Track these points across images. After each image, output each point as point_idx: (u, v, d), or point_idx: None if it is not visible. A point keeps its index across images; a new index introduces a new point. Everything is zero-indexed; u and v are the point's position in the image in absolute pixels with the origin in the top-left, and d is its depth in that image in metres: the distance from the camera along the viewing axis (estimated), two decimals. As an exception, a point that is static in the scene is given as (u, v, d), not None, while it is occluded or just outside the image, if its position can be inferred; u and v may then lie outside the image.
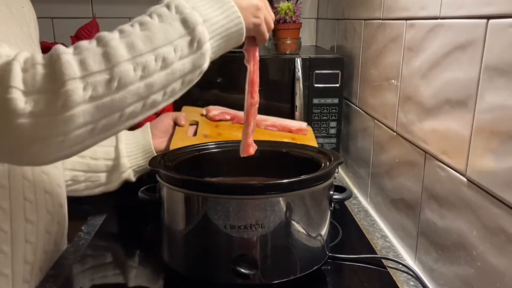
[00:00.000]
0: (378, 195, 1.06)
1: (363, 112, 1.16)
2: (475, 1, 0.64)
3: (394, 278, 0.79)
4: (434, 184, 0.78)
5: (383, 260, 0.84)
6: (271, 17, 0.71)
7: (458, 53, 0.69)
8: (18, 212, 0.72)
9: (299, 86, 1.21)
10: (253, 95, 0.77)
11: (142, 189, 0.81)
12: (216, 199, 0.70)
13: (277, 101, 1.24)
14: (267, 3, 0.70)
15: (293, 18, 1.30)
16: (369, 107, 1.11)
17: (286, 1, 1.32)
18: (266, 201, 0.69)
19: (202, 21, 0.58)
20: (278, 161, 0.89)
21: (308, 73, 1.22)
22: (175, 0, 0.58)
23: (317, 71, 1.22)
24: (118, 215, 1.06)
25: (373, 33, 1.07)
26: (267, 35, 0.72)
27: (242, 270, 0.70)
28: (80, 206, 1.08)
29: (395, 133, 0.95)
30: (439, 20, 0.75)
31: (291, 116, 1.23)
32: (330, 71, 1.22)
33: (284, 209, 0.71)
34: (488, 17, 0.61)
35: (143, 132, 1.02)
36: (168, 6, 0.58)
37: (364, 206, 1.13)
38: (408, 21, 0.87)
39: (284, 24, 1.30)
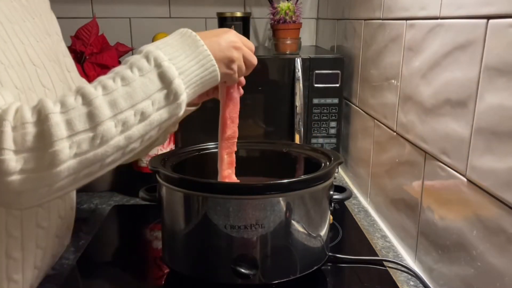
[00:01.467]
0: (378, 195, 1.06)
1: (363, 112, 1.16)
2: (475, 1, 0.64)
3: (394, 278, 0.79)
4: (434, 184, 0.78)
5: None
6: (249, 56, 0.72)
7: (458, 53, 0.69)
8: (30, 219, 0.72)
9: (299, 86, 1.21)
10: (225, 130, 0.79)
11: (142, 189, 0.81)
12: (216, 199, 0.70)
13: (277, 101, 1.24)
14: (245, 42, 0.72)
15: (293, 18, 1.30)
16: (369, 107, 1.11)
17: (286, 1, 1.32)
18: (266, 201, 0.69)
19: (178, 74, 0.62)
20: (278, 161, 0.89)
21: (308, 73, 1.22)
22: (153, 51, 0.62)
23: (317, 71, 1.22)
24: (118, 215, 1.06)
25: (373, 33, 1.07)
26: (241, 79, 0.76)
27: (242, 270, 0.70)
28: (80, 206, 1.08)
29: (395, 133, 0.95)
30: (439, 20, 0.75)
31: (291, 116, 1.23)
32: (330, 71, 1.22)
33: (284, 209, 0.71)
34: (488, 17, 0.61)
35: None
36: (147, 58, 0.61)
37: (364, 206, 1.13)
38: (408, 21, 0.87)
39: (284, 24, 1.30)
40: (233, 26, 1.29)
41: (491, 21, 0.61)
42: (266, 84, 1.23)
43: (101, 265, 0.85)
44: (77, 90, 0.58)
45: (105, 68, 1.23)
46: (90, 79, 1.22)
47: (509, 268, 0.58)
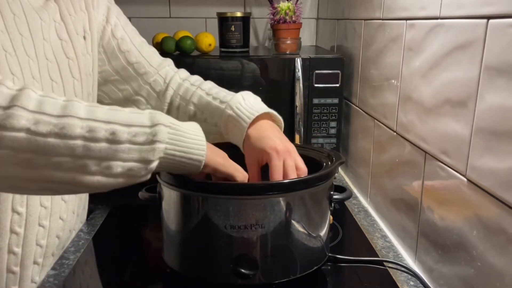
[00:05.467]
0: (378, 195, 1.06)
1: (363, 112, 1.16)
2: (475, 1, 0.64)
3: (394, 278, 0.79)
4: (434, 184, 0.78)
5: (383, 260, 0.84)
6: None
7: (458, 53, 0.69)
8: (34, 217, 0.73)
9: (299, 86, 1.21)
10: None
11: (142, 189, 0.81)
12: (216, 199, 0.70)
13: (277, 101, 1.24)
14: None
15: (293, 18, 1.30)
16: (369, 107, 1.11)
17: (286, 1, 1.32)
18: (266, 201, 0.69)
19: (169, 123, 0.61)
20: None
21: (308, 73, 1.22)
22: (153, 111, 0.63)
23: (317, 71, 1.22)
24: (118, 215, 1.06)
25: (373, 33, 1.07)
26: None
27: (242, 270, 0.70)
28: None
29: (395, 133, 0.95)
30: (439, 20, 0.75)
31: (291, 116, 1.23)
32: (330, 71, 1.22)
33: (284, 209, 0.71)
34: (488, 17, 0.61)
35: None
36: (143, 112, 0.63)
37: (364, 206, 1.13)
38: (408, 21, 0.87)
39: (284, 24, 1.30)
40: (233, 27, 1.29)
41: (491, 21, 0.61)
42: (266, 84, 1.23)
43: (101, 265, 0.85)
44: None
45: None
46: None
47: (509, 268, 0.58)
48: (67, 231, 0.84)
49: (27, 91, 0.55)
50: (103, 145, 0.57)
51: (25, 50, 0.69)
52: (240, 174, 0.70)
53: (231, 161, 0.70)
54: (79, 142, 0.55)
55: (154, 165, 0.60)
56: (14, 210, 0.71)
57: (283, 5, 1.30)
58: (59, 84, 0.75)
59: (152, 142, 0.59)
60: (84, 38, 0.82)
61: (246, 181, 0.72)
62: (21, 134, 0.53)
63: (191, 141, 0.64)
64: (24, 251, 0.73)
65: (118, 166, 0.58)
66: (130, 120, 0.59)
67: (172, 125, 0.62)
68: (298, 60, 1.21)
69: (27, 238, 0.73)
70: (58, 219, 0.80)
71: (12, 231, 0.71)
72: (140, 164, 0.59)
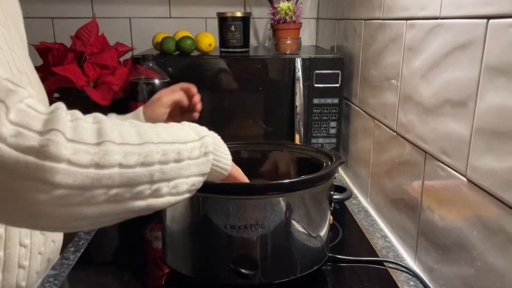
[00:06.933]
0: (378, 195, 1.06)
1: (363, 112, 1.16)
2: (475, 1, 0.64)
3: (394, 278, 0.79)
4: (434, 184, 0.78)
5: (383, 260, 0.84)
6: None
7: (458, 53, 0.69)
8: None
9: (299, 86, 1.21)
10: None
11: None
12: (216, 199, 0.70)
13: (277, 101, 1.24)
14: None
15: (293, 18, 1.30)
16: (369, 107, 1.11)
17: (286, 1, 1.32)
18: (266, 201, 0.69)
19: (209, 133, 0.65)
20: (279, 161, 0.89)
21: (308, 73, 1.22)
22: (188, 123, 0.66)
23: (317, 71, 1.22)
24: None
25: (373, 33, 1.07)
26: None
27: (242, 270, 0.70)
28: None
29: (395, 133, 0.95)
30: (439, 20, 0.75)
31: (291, 116, 1.23)
32: (330, 71, 1.22)
33: (284, 209, 0.71)
34: (488, 17, 0.61)
35: (134, 116, 0.94)
36: (181, 124, 0.65)
37: (364, 206, 1.13)
38: (408, 21, 0.87)
39: (284, 24, 1.30)
40: (233, 27, 1.29)
41: (491, 21, 0.61)
42: (266, 84, 1.23)
43: (101, 265, 0.85)
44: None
45: (105, 68, 1.23)
46: (90, 79, 1.22)
47: (509, 268, 0.58)
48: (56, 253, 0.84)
49: (104, 121, 0.52)
50: (172, 165, 0.58)
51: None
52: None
53: (239, 169, 0.72)
54: (156, 167, 0.55)
55: (207, 175, 0.63)
56: (21, 244, 0.72)
57: (283, 5, 1.30)
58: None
59: (205, 154, 0.62)
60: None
61: None
62: (115, 170, 0.51)
63: (223, 150, 0.67)
64: (29, 282, 0.74)
65: (184, 184, 0.60)
66: (185, 136, 0.61)
67: (212, 135, 0.65)
68: (298, 60, 1.21)
69: (32, 270, 0.74)
70: (51, 243, 0.80)
71: (20, 266, 0.72)
72: (199, 177, 0.62)
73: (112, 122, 0.54)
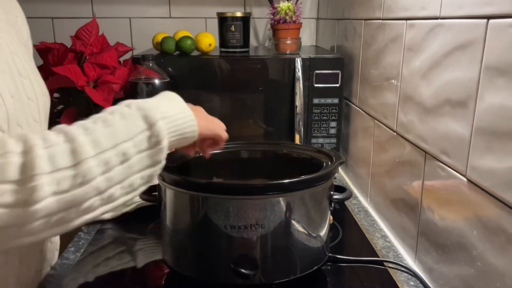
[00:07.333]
0: (378, 195, 1.06)
1: (363, 112, 1.16)
2: (475, 1, 0.64)
3: (394, 278, 0.79)
4: (434, 184, 0.78)
5: (383, 260, 0.84)
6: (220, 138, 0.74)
7: (458, 53, 0.69)
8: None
9: (299, 86, 1.21)
10: None
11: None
12: (216, 199, 0.70)
13: (277, 101, 1.24)
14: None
15: (293, 18, 1.30)
16: (369, 107, 1.11)
17: (286, 1, 1.32)
18: (266, 201, 0.69)
19: (161, 117, 0.61)
20: (279, 161, 0.89)
21: (308, 73, 1.22)
22: (134, 101, 0.61)
23: (317, 71, 1.22)
24: (118, 215, 1.05)
25: (373, 33, 1.07)
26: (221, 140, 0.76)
27: (242, 270, 0.70)
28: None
29: (395, 133, 0.95)
30: (439, 20, 0.75)
31: (291, 116, 1.23)
32: (330, 71, 1.22)
33: (284, 209, 0.71)
34: (488, 17, 0.61)
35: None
36: (128, 106, 0.61)
37: (364, 206, 1.13)
38: (408, 21, 0.87)
39: (284, 24, 1.30)
40: (233, 27, 1.29)
41: (491, 21, 0.61)
42: (266, 84, 1.23)
43: (101, 265, 0.85)
44: (58, 128, 0.56)
45: (105, 68, 1.23)
46: (90, 79, 1.22)
47: (509, 268, 0.58)
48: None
49: (34, 150, 0.51)
50: (120, 168, 0.56)
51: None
52: (223, 132, 0.73)
53: (211, 117, 0.71)
54: (101, 179, 0.54)
55: (162, 162, 0.61)
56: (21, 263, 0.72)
57: (283, 5, 1.30)
58: (34, 102, 0.73)
59: (156, 143, 0.60)
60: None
61: (226, 139, 0.74)
62: (49, 201, 0.51)
63: (183, 121, 0.64)
64: None
65: (137, 179, 0.59)
66: (129, 131, 0.58)
67: (165, 114, 0.62)
68: (298, 60, 1.21)
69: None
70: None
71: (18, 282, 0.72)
72: (154, 167, 0.60)
73: (44, 144, 0.52)
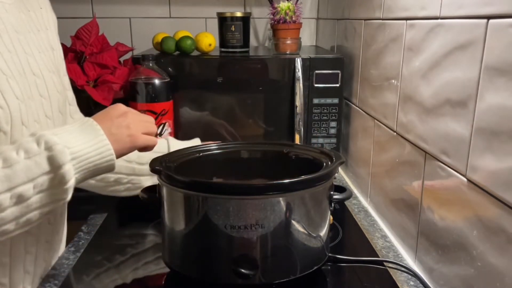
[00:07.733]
0: (378, 195, 1.06)
1: (363, 112, 1.16)
2: (475, 1, 0.64)
3: (394, 278, 0.79)
4: (434, 184, 0.78)
5: (383, 260, 0.84)
6: (139, 117, 0.73)
7: (458, 53, 0.69)
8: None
9: (299, 86, 1.21)
10: None
11: (142, 189, 0.81)
12: (216, 199, 0.70)
13: (277, 101, 1.24)
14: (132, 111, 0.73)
15: (293, 18, 1.30)
16: (369, 107, 1.11)
17: (286, 1, 1.32)
18: (266, 201, 0.69)
19: (70, 159, 0.60)
20: (279, 161, 0.89)
21: (308, 73, 1.22)
22: (46, 135, 0.60)
23: (317, 71, 1.22)
24: (119, 215, 1.06)
25: (373, 33, 1.07)
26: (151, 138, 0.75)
27: (242, 270, 0.70)
28: (80, 206, 1.08)
29: (395, 133, 0.95)
30: (439, 20, 0.75)
31: (291, 116, 1.23)
32: (330, 71, 1.22)
33: (284, 209, 0.71)
34: (488, 17, 0.61)
35: (193, 143, 1.00)
36: (37, 142, 0.60)
37: (364, 206, 1.13)
38: (408, 21, 0.87)
39: (284, 24, 1.30)
40: (233, 27, 1.29)
41: (491, 21, 0.61)
42: (266, 84, 1.23)
43: (101, 265, 0.85)
44: None
45: (105, 68, 1.23)
46: (90, 79, 1.22)
47: (509, 268, 0.58)
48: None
49: None
50: (13, 209, 0.57)
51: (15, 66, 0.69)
52: (152, 142, 0.73)
53: (131, 130, 0.69)
54: None
55: (69, 196, 0.62)
56: (25, 271, 0.74)
57: (283, 5, 1.30)
58: (47, 100, 0.75)
59: (60, 184, 0.60)
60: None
61: (156, 142, 0.75)
62: None
63: (97, 157, 0.64)
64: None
65: (36, 215, 0.59)
66: (31, 173, 0.58)
67: (75, 155, 0.61)
68: (298, 60, 1.21)
69: (36, 277, 0.78)
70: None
71: (25, 271, 0.74)
72: (56, 203, 0.61)
73: None
